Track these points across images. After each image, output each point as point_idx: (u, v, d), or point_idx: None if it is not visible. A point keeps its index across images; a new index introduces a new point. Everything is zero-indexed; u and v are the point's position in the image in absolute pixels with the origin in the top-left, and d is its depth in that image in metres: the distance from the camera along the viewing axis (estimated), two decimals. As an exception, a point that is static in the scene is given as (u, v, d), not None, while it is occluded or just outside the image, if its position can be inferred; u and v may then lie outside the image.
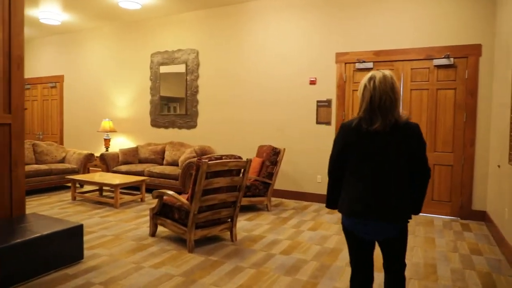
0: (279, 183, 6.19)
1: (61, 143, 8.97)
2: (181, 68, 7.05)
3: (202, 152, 6.48)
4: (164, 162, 6.83)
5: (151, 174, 6.37)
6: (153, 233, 4.11)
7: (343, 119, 5.61)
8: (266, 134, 6.26)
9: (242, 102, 6.46)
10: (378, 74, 1.89)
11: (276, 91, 6.13)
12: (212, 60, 6.74)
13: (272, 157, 5.29)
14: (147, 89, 7.55)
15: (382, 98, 1.83)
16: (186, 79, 7.01)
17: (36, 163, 6.68)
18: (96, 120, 8.29)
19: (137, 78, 7.70)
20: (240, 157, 3.78)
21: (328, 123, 5.73)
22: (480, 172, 4.88)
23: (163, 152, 6.96)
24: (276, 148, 5.34)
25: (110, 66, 8.08)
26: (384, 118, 1.81)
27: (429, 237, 4.20)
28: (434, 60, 5.01)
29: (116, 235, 4.14)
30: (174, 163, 6.65)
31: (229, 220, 3.95)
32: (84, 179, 5.62)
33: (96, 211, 5.17)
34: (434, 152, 5.10)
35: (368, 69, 5.43)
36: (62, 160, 7.07)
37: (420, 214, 5.19)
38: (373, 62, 5.37)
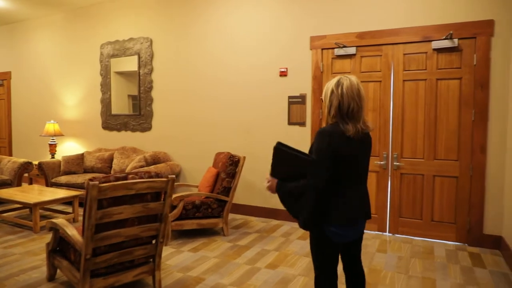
0: (245, 198, 5.09)
1: (10, 149, 7.87)
2: (133, 61, 5.95)
3: (154, 160, 5.38)
4: (112, 171, 5.73)
5: (92, 187, 5.26)
6: (51, 277, 3.01)
7: (320, 118, 4.51)
8: (230, 137, 5.16)
9: (203, 100, 5.36)
10: (345, 80, 1.89)
11: (241, 86, 5.03)
12: (168, 50, 5.64)
13: (229, 168, 4.18)
14: (98, 85, 6.45)
15: (350, 105, 1.84)
16: (139, 73, 5.90)
17: (-42, 175, 5.58)
18: (44, 122, 7.19)
19: (87, 73, 6.59)
20: (160, 174, 2.68)
21: (302, 123, 4.63)
22: (493, 186, 3.78)
23: (111, 160, 5.86)
24: (234, 156, 4.24)
25: (58, 59, 6.97)
26: (354, 125, 1.84)
27: (428, 278, 3.09)
28: (432, 42, 3.91)
29: (1, 279, 3.04)
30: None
31: (151, 260, 2.85)
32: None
33: (7, 238, 4.07)
34: (433, 160, 4.01)
35: (350, 56, 4.32)
36: (-6, 170, 5.96)
37: (418, 238, 4.09)
38: (356, 46, 4.26)
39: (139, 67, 5.88)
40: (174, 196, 3.88)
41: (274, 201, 4.86)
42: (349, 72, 4.33)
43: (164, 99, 5.73)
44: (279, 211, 4.82)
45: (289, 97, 4.70)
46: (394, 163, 4.16)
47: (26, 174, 6.32)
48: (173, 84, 5.62)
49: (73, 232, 2.58)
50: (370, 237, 4.14)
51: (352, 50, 4.26)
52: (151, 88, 5.82)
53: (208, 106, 5.31)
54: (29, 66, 7.41)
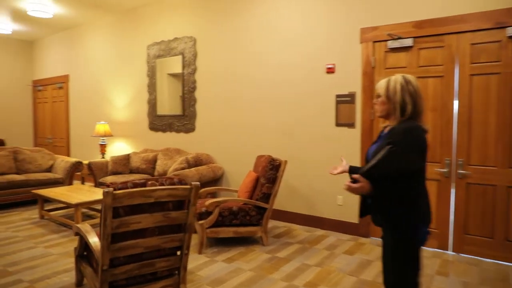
0: (288, 204, 4.76)
1: (68, 148, 8.26)
2: (177, 61, 5.88)
3: (196, 162, 5.24)
4: (155, 172, 5.69)
5: (135, 189, 5.26)
6: (78, 283, 2.93)
7: (371, 119, 4.05)
8: (274, 139, 4.86)
9: (246, 100, 5.11)
10: (408, 76, 1.84)
11: (286, 85, 4.71)
12: (211, 49, 5.47)
13: (269, 172, 3.88)
14: (145, 86, 6.49)
15: (420, 103, 1.81)
16: (183, 73, 5.81)
17: (17, 173, 5.88)
18: (95, 123, 7.42)
19: (135, 74, 6.67)
20: (182, 180, 2.46)
21: (351, 124, 4.20)
22: None
23: (155, 161, 5.83)
24: (274, 160, 3.93)
25: (109, 62, 7.15)
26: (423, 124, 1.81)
27: (500, 313, 2.55)
28: (507, 28, 3.29)
29: (33, 281, 3.02)
30: (164, 175, 5.48)
31: (176, 273, 2.64)
32: (45, 195, 4.64)
33: (50, 237, 4.14)
34: (508, 168, 3.38)
35: (406, 48, 3.82)
36: (49, 169, 6.22)
37: (488, 260, 3.48)
38: (413, 37, 3.75)
39: (183, 67, 5.79)
40: (209, 201, 3.67)
41: (320, 209, 4.47)
42: (405, 67, 3.83)
43: (207, 99, 5.58)
44: (324, 219, 4.42)
45: (337, 96, 4.29)
46: (459, 171, 3.59)
47: (78, 173, 6.53)
48: (215, 84, 5.44)
49: (94, 239, 2.45)
50: (429, 255, 3.61)
51: (408, 42, 3.75)
52: (194, 88, 5.71)
53: (251, 106, 5.05)
54: (84, 69, 7.71)
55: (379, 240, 3.95)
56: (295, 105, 4.63)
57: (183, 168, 5.03)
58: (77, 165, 6.10)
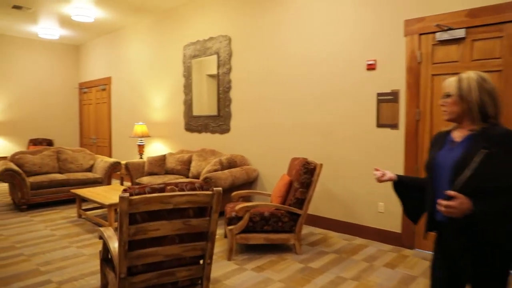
0: (326, 209, 4.49)
1: (110, 148, 8.49)
2: (212, 60, 5.79)
3: (230, 164, 5.10)
4: (190, 174, 5.64)
5: (169, 190, 5.23)
6: (103, 286, 2.87)
7: (417, 119, 3.68)
8: (310, 141, 4.61)
9: (281, 100, 4.90)
10: (482, 73, 1.59)
11: (322, 84, 4.44)
12: (245, 48, 5.32)
13: (303, 176, 3.65)
14: (181, 87, 6.47)
15: (499, 103, 1.57)
16: (218, 73, 5.71)
17: (60, 172, 6.08)
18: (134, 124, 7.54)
19: (172, 75, 6.68)
20: (205, 185, 2.30)
21: (394, 125, 3.86)
22: None
23: (189, 162, 5.78)
24: (309, 163, 3.68)
25: (147, 63, 7.23)
26: None
27: None
28: None
29: (61, 282, 3.01)
30: (198, 176, 5.41)
31: (198, 283, 2.49)
32: (82, 194, 4.71)
33: (84, 237, 4.18)
34: None
35: (457, 40, 3.42)
36: (90, 169, 6.38)
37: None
38: (465, 28, 3.35)
39: (218, 66, 5.69)
40: (239, 206, 3.50)
41: (359, 216, 4.16)
42: (456, 61, 3.43)
43: (242, 99, 5.43)
44: (363, 227, 4.11)
45: (378, 94, 3.96)
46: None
47: (118, 172, 6.65)
48: (250, 84, 5.28)
49: (114, 245, 2.35)
50: None
51: (460, 33, 3.36)
52: (229, 88, 5.58)
53: (287, 106, 4.83)
54: (124, 71, 7.86)
55: (424, 253, 3.58)
56: (334, 105, 4.35)
57: (216, 170, 4.91)
58: (115, 165, 6.20)
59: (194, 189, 2.24)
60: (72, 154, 6.29)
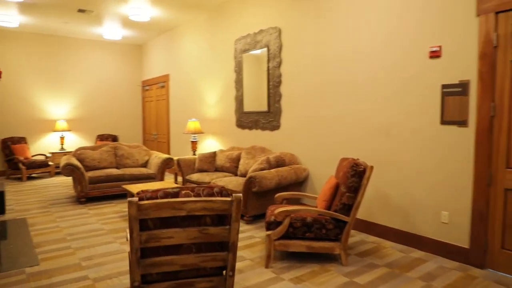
0: (381, 215, 4.04)
1: (168, 144, 8.70)
2: (262, 54, 5.55)
3: (278, 162, 4.84)
4: (238, 172, 5.48)
5: (216, 188, 5.12)
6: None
7: (491, 115, 3.09)
8: (364, 139, 4.17)
9: (333, 95, 4.51)
10: None
11: (380, 76, 3.97)
12: (296, 40, 5.00)
13: (350, 180, 3.26)
14: (233, 82, 6.34)
15: None
16: (268, 66, 5.46)
17: (117, 167, 6.32)
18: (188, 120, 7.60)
19: (224, 71, 6.58)
20: (224, 190, 2.07)
21: (462, 122, 3.29)
22: None
23: (238, 159, 5.62)
24: (358, 165, 3.28)
25: (202, 59, 7.22)
26: None
27: None
28: None
29: (96, 279, 3.00)
30: (246, 175, 5.23)
31: (221, 294, 2.28)
32: (130, 189, 4.78)
33: (130, 233, 4.22)
34: None
35: (547, 17, 2.78)
36: (145, 164, 6.55)
37: None
38: (559, 1, 2.70)
39: (268, 60, 5.44)
40: (279, 210, 3.23)
41: (419, 225, 3.65)
42: (545, 43, 2.80)
43: (292, 94, 5.12)
44: (423, 239, 3.60)
45: (443, 86, 3.42)
46: None
47: (174, 168, 6.75)
48: (300, 78, 4.95)
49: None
50: None
51: (550, 8, 2.72)
52: (279, 83, 5.30)
53: (340, 101, 4.44)
54: (181, 68, 7.97)
55: (498, 275, 3.01)
56: (391, 100, 3.87)
57: (262, 169, 4.69)
58: (168, 161, 6.27)
59: (212, 194, 2.03)
60: (128, 150, 6.50)
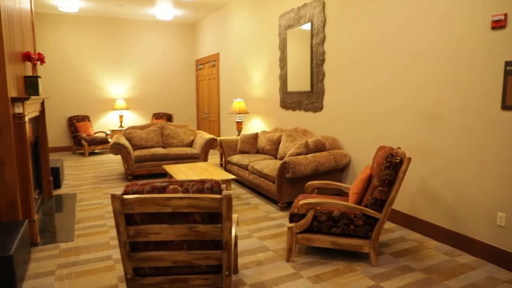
0: (425, 211, 3.60)
1: (218, 123, 8.72)
2: (306, 30, 5.17)
3: (317, 147, 4.54)
4: (278, 155, 5.27)
5: (253, 171, 5.00)
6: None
7: None
8: (410, 125, 3.70)
9: (380, 73, 4.05)
10: None
11: (431, 53, 3.44)
12: (340, 14, 4.54)
13: (384, 172, 2.90)
14: (277, 61, 6.05)
15: None
16: (311, 43, 5.08)
17: (163, 146, 6.46)
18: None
19: (269, 48, 6.30)
20: (217, 186, 1.90)
21: (528, 108, 2.73)
22: None
23: (279, 142, 5.40)
24: (394, 155, 2.90)
25: (247, 37, 6.99)
26: None
27: None
28: None
29: (118, 260, 3.06)
30: (284, 158, 5.01)
31: (220, 293, 2.16)
32: (167, 170, 4.83)
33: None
34: None
35: None
36: (190, 144, 6.62)
37: None
38: None
39: (312, 36, 5.05)
40: (302, 201, 3.00)
41: (469, 226, 3.18)
42: None
43: (336, 73, 4.73)
44: (474, 241, 3.13)
45: (507, 64, 2.84)
46: None
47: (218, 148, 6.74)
48: (345, 55, 4.53)
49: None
50: None
51: None
52: (323, 60, 4.92)
53: (387, 82, 3.97)
54: (229, 46, 7.82)
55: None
56: (442, 79, 3.35)
57: (299, 154, 4.43)
58: (212, 142, 6.25)
59: (202, 190, 1.87)
60: (174, 129, 6.60)
